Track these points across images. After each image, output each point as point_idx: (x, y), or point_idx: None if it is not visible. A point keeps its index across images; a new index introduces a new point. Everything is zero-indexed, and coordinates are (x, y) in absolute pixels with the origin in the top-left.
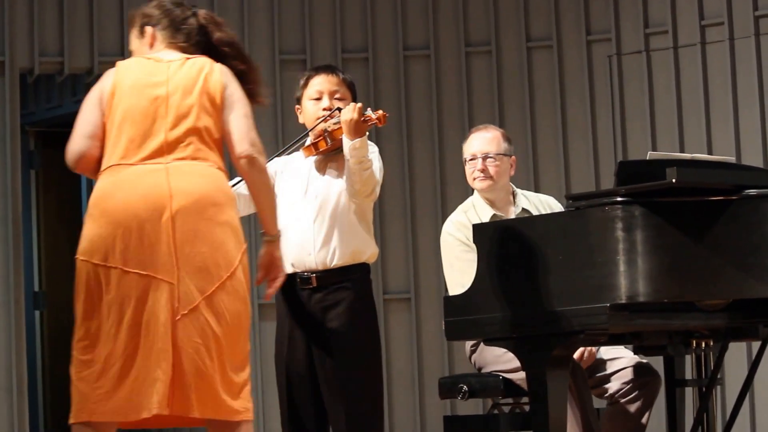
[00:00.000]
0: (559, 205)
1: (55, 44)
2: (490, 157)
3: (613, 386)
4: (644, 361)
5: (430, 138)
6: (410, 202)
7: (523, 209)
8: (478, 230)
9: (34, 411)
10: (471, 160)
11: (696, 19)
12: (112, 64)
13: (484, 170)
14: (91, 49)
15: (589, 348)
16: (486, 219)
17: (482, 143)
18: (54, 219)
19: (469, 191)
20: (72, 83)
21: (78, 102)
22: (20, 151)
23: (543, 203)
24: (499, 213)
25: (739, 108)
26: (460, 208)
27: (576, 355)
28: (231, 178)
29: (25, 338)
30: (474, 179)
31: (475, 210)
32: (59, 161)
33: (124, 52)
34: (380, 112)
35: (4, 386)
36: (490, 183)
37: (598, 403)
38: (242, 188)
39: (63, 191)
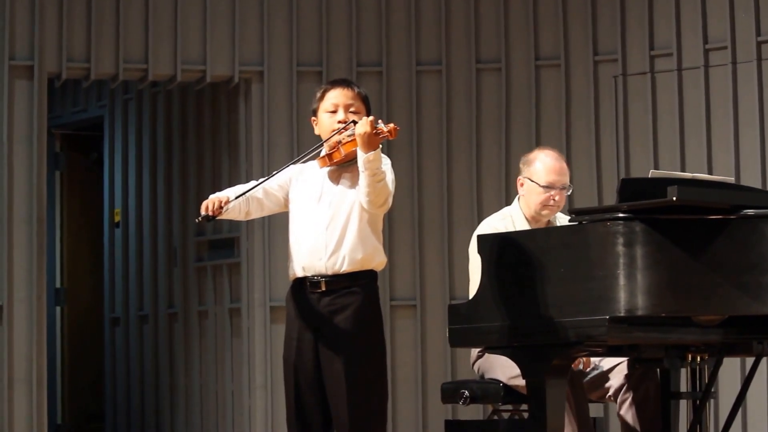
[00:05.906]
0: None
1: (83, 51)
2: (564, 189)
3: (614, 383)
4: None
5: (439, 150)
6: (418, 212)
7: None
8: (483, 241)
9: (53, 403)
10: (547, 187)
11: (700, 43)
12: (137, 71)
13: (559, 200)
14: (116, 56)
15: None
16: None
17: (563, 174)
18: (76, 219)
19: (474, 205)
20: (97, 88)
21: (102, 107)
22: (46, 152)
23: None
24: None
25: (740, 130)
26: (498, 214)
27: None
28: (240, 182)
29: (45, 333)
30: (545, 206)
31: (512, 220)
32: (83, 163)
33: (148, 60)
34: (391, 125)
35: (24, 378)
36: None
37: (595, 412)
38: (255, 192)
39: (86, 192)
